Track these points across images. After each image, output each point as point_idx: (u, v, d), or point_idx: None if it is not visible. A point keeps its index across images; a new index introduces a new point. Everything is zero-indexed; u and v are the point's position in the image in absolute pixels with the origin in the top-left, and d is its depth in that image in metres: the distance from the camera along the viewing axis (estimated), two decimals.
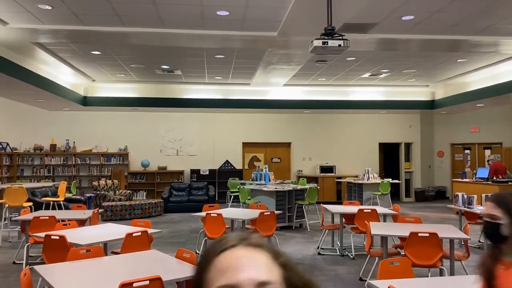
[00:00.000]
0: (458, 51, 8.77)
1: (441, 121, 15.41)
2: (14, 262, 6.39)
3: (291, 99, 13.33)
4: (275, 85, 12.43)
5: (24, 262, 5.80)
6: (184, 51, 8.90)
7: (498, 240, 1.89)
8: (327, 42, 4.91)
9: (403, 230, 4.95)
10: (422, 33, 7.39)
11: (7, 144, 13.29)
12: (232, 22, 6.73)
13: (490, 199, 1.94)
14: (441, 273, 4.65)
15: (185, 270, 3.25)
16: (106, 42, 8.00)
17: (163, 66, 10.40)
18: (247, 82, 12.32)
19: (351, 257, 6.70)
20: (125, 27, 6.97)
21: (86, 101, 12.61)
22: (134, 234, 4.52)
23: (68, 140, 13.74)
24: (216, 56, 9.28)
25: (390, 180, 12.01)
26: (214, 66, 10.36)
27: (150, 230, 4.87)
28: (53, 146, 13.62)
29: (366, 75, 11.46)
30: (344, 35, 5.01)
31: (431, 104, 13.80)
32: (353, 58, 9.53)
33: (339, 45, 4.91)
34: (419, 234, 4.54)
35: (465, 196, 7.44)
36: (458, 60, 9.85)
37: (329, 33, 5.01)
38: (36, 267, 3.29)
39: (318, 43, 4.90)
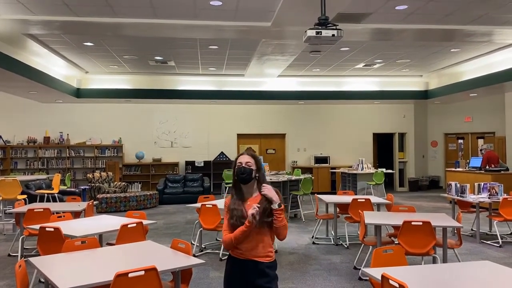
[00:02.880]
0: (451, 40, 8.79)
1: (434, 111, 15.49)
2: (9, 255, 6.38)
3: (286, 90, 13.31)
4: (270, 76, 12.41)
5: (19, 254, 5.80)
6: (177, 42, 8.85)
7: (247, 181, 2.70)
8: (321, 32, 4.90)
9: (397, 219, 4.99)
10: (415, 23, 7.38)
11: (0, 136, 13.21)
12: (226, 12, 6.69)
13: (248, 154, 2.77)
14: (434, 261, 4.70)
15: (180, 260, 3.27)
16: (99, 33, 7.93)
17: (156, 57, 10.34)
18: (241, 73, 12.29)
19: (345, 246, 6.76)
20: (118, 17, 6.91)
21: (79, 93, 12.53)
22: (129, 226, 4.53)
23: (61, 132, 13.67)
24: (210, 46, 9.23)
25: (384, 170, 12.08)
26: (208, 57, 10.30)
27: (145, 222, 4.87)
28: (46, 139, 13.55)
29: (360, 65, 11.47)
30: (337, 25, 5.00)
31: (424, 94, 13.85)
32: (347, 48, 9.52)
33: (333, 35, 4.90)
34: (413, 223, 4.58)
35: (458, 185, 7.51)
36: (452, 50, 9.87)
37: (323, 23, 5.00)
38: (31, 259, 3.29)
39: (311, 33, 4.90)
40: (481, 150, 11.04)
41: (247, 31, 7.55)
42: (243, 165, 2.69)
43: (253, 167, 2.70)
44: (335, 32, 4.91)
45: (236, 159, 2.78)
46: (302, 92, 13.39)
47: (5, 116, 13.36)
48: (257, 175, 2.72)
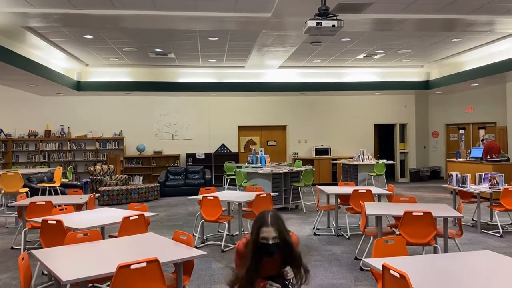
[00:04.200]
0: (453, 30, 8.72)
1: (435, 101, 15.44)
2: (12, 248, 6.42)
3: (286, 81, 13.28)
4: (270, 67, 12.36)
5: (22, 247, 5.83)
6: (177, 34, 8.81)
7: (273, 255, 2.49)
8: (321, 22, 4.88)
9: (398, 209, 5.00)
10: (416, 13, 7.33)
11: (1, 130, 13.22)
12: (225, 3, 6.64)
13: (274, 227, 2.50)
14: (435, 251, 4.72)
15: (182, 252, 3.28)
16: (98, 25, 7.89)
17: (156, 49, 10.30)
18: (242, 64, 12.25)
19: (347, 237, 6.78)
20: (117, 10, 6.86)
21: (80, 86, 12.51)
22: (131, 218, 4.55)
23: (62, 125, 13.68)
24: (210, 38, 9.19)
25: (385, 161, 12.07)
26: (208, 49, 10.26)
27: (146, 214, 4.89)
28: (47, 132, 13.56)
29: (361, 56, 11.41)
30: (338, 16, 4.97)
31: (425, 85, 13.80)
32: (348, 39, 9.47)
33: (333, 26, 4.88)
34: (414, 213, 4.59)
35: (459, 175, 7.51)
36: (453, 40, 9.81)
37: (323, 13, 4.98)
38: (34, 251, 3.30)
39: (312, 23, 4.87)
40: (482, 140, 11.02)
41: (247, 22, 7.50)
42: (270, 241, 2.51)
43: (278, 240, 2.52)
44: (335, 22, 4.89)
45: (260, 227, 2.53)
46: (302, 83, 13.35)
47: (5, 110, 13.36)
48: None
